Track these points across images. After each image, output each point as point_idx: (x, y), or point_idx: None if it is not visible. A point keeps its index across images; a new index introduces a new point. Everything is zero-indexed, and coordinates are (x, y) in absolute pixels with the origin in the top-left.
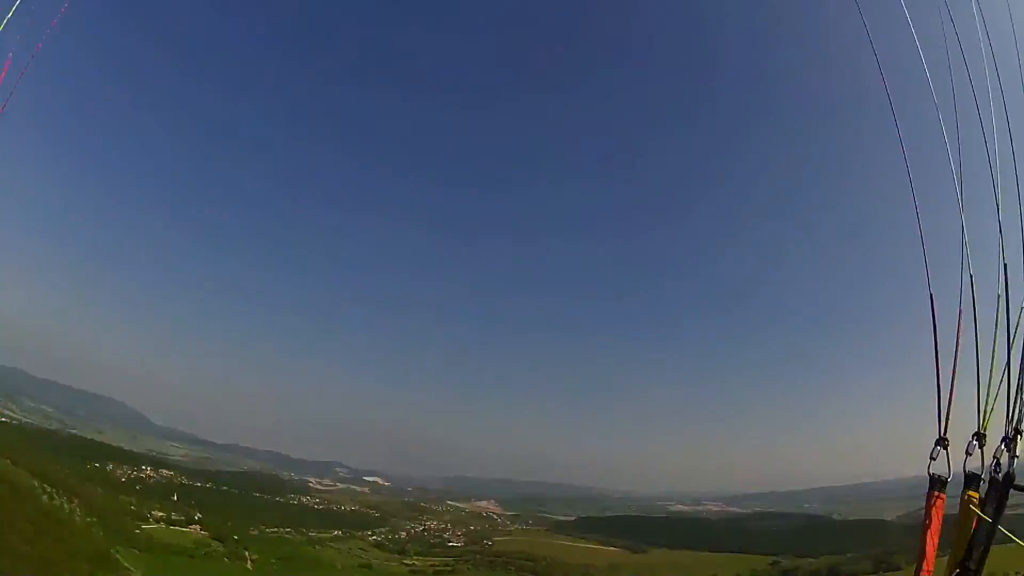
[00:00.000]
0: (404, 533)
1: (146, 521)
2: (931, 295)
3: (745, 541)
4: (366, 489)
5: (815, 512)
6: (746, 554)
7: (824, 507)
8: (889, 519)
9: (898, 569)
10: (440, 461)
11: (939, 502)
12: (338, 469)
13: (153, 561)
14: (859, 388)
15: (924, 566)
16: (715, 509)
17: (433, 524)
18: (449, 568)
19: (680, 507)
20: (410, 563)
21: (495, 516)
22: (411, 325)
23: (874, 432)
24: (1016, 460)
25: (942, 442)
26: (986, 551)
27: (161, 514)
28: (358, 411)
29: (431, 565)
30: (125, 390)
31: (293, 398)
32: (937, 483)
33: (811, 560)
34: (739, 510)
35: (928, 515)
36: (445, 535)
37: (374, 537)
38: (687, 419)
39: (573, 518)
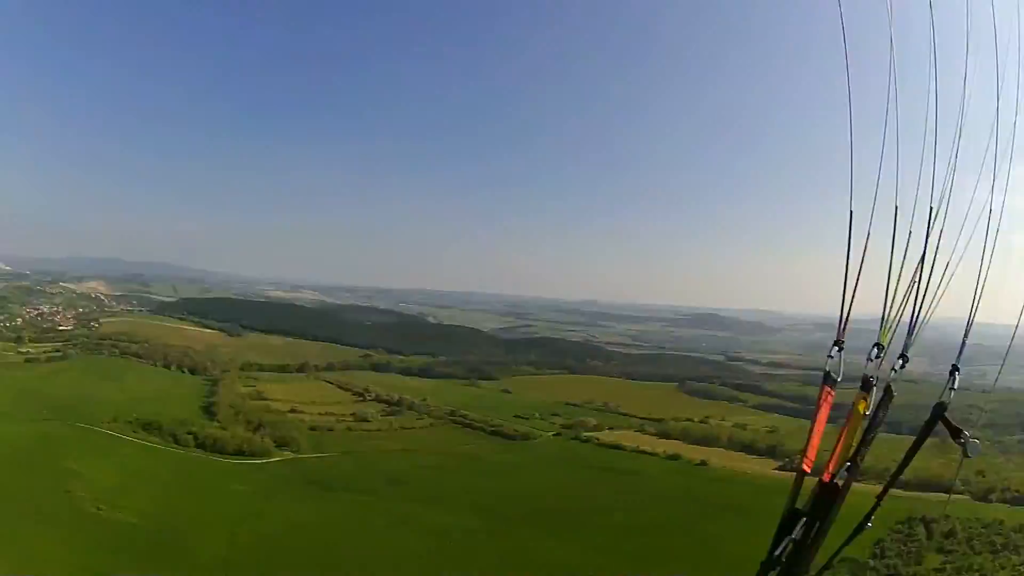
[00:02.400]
0: (20, 319)
1: None
2: (851, 200)
3: (339, 331)
4: None
5: (410, 312)
6: (339, 344)
7: (421, 309)
8: (485, 331)
9: (493, 379)
10: (56, 241)
11: (829, 398)
12: None
13: None
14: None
15: (809, 454)
16: (311, 297)
17: (46, 308)
18: (60, 354)
19: (278, 293)
20: (25, 351)
21: (103, 297)
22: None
23: (484, 246)
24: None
25: (839, 343)
26: (866, 448)
27: None
28: None
29: (44, 352)
30: None
31: None
32: (829, 379)
33: (402, 357)
34: (334, 301)
35: (818, 408)
36: (56, 318)
37: None
38: (283, 204)
39: (176, 299)
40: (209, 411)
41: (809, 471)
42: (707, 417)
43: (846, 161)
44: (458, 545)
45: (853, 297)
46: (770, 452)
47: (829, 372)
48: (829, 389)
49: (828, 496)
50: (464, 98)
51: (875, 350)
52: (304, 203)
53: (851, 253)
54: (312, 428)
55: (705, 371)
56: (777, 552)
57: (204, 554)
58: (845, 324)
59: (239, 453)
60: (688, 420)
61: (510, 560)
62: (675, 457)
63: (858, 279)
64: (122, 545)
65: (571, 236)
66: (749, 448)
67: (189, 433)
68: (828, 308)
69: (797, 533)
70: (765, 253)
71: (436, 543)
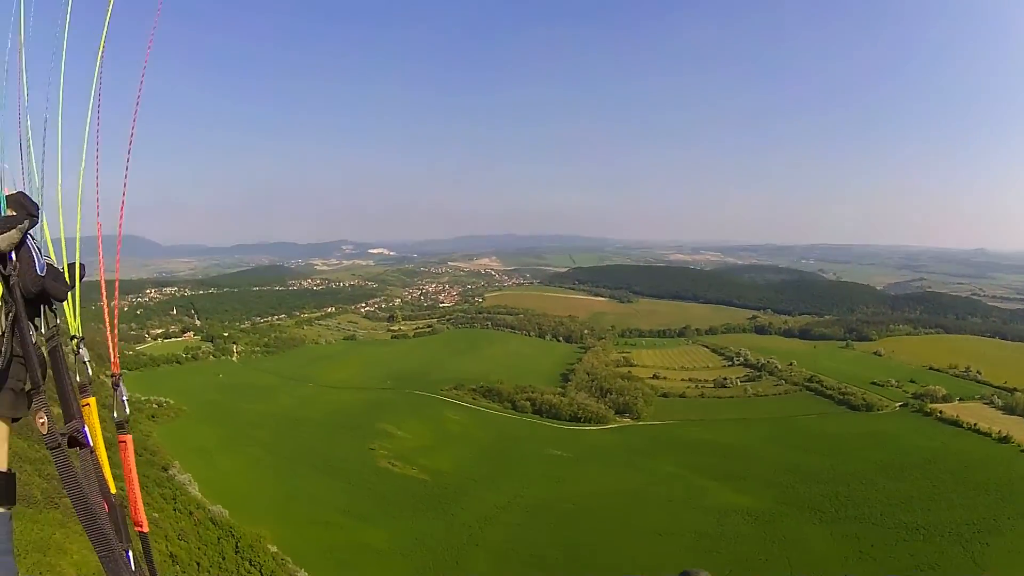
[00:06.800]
0: (399, 300)
1: (142, 342)
2: None
3: (733, 293)
4: (370, 262)
5: (808, 269)
6: (729, 306)
7: (820, 265)
8: (879, 287)
9: (868, 340)
10: (444, 224)
11: None
12: (344, 247)
13: (140, 377)
14: (887, 149)
15: None
16: (712, 258)
17: (432, 287)
18: (430, 330)
19: (678, 256)
20: (396, 328)
21: (493, 272)
22: (394, 92)
23: (882, 195)
24: None
25: None
26: None
27: (159, 331)
28: (359, 187)
29: (414, 328)
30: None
31: (290, 186)
32: None
33: (787, 318)
34: (734, 260)
35: None
36: (440, 296)
37: (367, 308)
38: (691, 170)
39: (568, 269)
40: (567, 379)
41: None
42: None
43: None
44: (731, 530)
45: None
46: None
47: None
48: None
49: None
50: None
51: None
52: (711, 169)
53: None
54: (663, 395)
55: None
56: None
57: (468, 513)
58: None
59: (574, 419)
60: None
61: (770, 552)
62: (1005, 439)
63: None
64: (393, 496)
65: (961, 176)
66: None
67: (527, 399)
68: None
69: None
70: None
71: (711, 524)
